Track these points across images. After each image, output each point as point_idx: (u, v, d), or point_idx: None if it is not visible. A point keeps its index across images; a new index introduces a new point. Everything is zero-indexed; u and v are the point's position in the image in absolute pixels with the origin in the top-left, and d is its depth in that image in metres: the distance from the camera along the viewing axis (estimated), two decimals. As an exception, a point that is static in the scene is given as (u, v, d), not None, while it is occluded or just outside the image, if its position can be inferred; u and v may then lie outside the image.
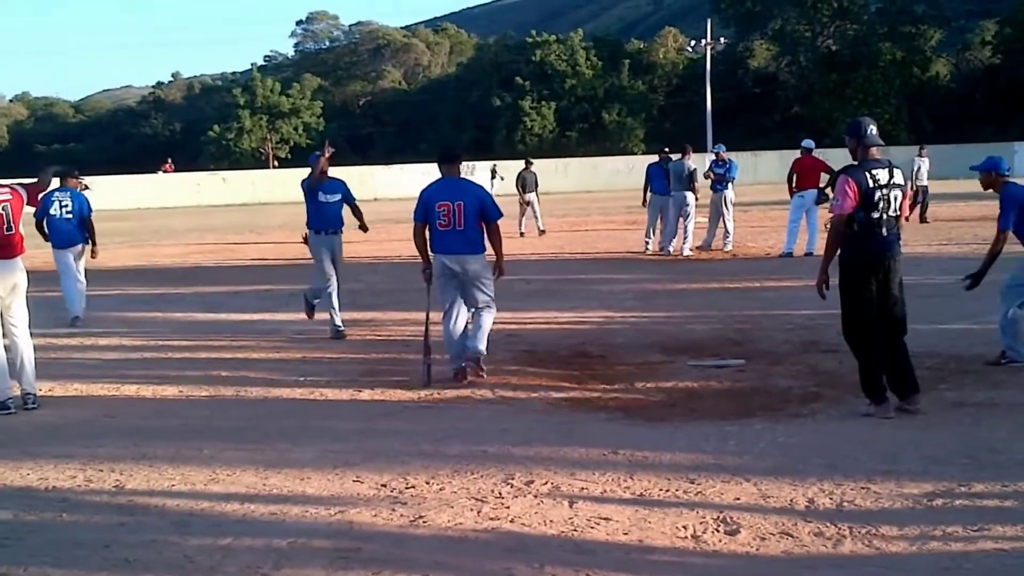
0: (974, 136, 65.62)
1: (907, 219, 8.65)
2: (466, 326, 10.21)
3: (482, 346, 10.04)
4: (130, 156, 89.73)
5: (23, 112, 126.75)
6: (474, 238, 10.03)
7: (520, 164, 33.41)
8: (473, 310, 10.17)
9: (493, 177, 62.84)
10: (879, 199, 8.08)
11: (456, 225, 9.90)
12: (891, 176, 8.17)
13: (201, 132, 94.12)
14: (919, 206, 26.96)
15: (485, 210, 10.06)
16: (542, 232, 27.92)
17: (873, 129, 8.40)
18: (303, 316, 13.61)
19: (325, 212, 13.26)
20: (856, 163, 8.26)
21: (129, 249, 28.36)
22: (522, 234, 27.68)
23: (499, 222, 10.21)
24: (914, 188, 27.11)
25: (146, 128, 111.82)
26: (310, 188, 13.21)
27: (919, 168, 27.89)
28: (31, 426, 8.81)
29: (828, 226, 8.53)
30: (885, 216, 8.13)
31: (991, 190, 10.18)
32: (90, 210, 14.78)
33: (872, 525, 5.74)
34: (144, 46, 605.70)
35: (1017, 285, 9.91)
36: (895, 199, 8.17)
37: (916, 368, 9.82)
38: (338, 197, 13.33)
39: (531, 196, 28.19)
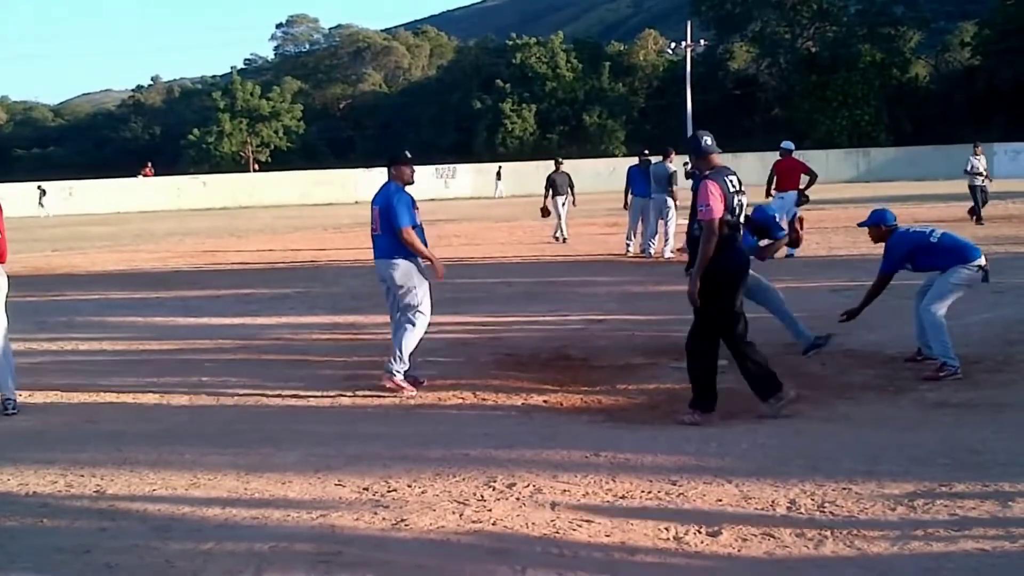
0: (953, 137, 65.92)
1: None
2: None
3: (395, 364, 9.65)
4: (110, 160, 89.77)
5: (1, 116, 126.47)
6: (390, 243, 9.74)
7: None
8: (401, 317, 9.90)
9: (498, 179, 63.37)
10: (736, 204, 8.22)
11: (378, 229, 9.82)
12: (739, 183, 8.35)
13: (181, 136, 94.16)
14: (976, 206, 26.40)
15: (390, 215, 9.67)
16: (563, 240, 26.06)
17: (709, 140, 8.45)
18: (285, 319, 13.57)
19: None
20: (712, 170, 8.33)
21: (109, 253, 28.31)
22: (562, 239, 26.17)
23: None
24: (972, 187, 26.72)
25: (126, 132, 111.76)
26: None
27: (974, 167, 26.75)
28: (11, 431, 8.77)
29: (689, 235, 8.54)
30: (738, 222, 8.33)
31: (882, 243, 10.24)
32: None
33: (854, 526, 5.75)
34: (124, 50, 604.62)
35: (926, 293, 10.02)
36: (743, 205, 8.37)
37: (899, 369, 9.91)
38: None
39: (562, 199, 26.11)
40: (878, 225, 10.28)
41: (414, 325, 9.78)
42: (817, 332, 10.84)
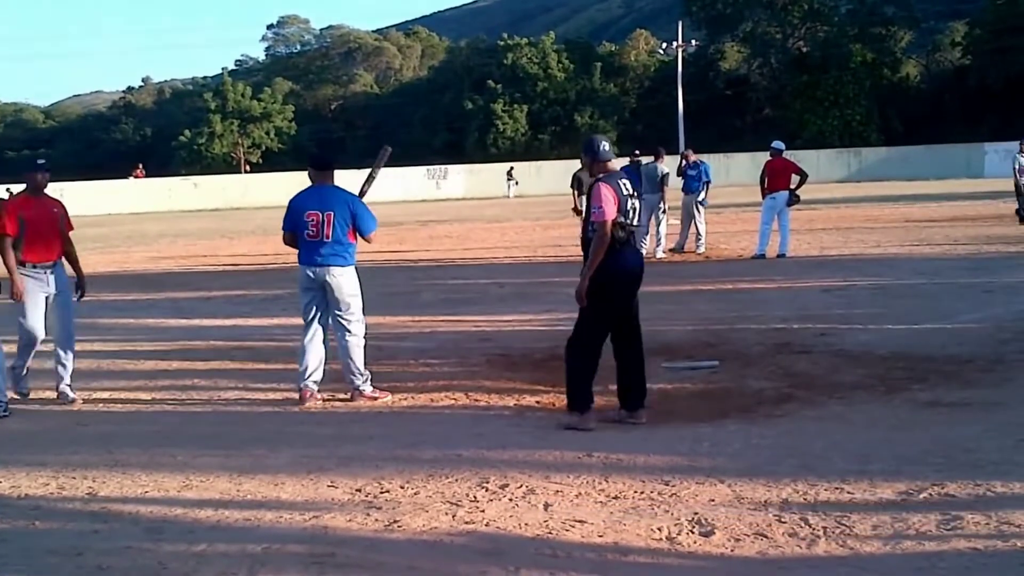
0: (944, 137, 66.15)
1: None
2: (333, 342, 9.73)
3: (359, 379, 9.52)
4: (101, 162, 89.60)
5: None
6: (343, 250, 9.40)
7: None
8: (337, 332, 9.57)
9: (509, 179, 63.32)
10: (630, 208, 8.28)
11: (324, 236, 9.33)
12: (631, 187, 8.42)
13: (172, 137, 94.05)
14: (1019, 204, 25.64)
15: (358, 221, 9.44)
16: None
17: (606, 145, 8.54)
18: (277, 320, 13.54)
19: None
20: (605, 174, 8.39)
21: (100, 255, 28.23)
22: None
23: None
24: (1018, 185, 25.99)
25: (117, 133, 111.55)
26: None
27: (1022, 165, 25.46)
28: (2, 434, 8.76)
29: (584, 237, 8.53)
30: (634, 226, 8.36)
31: None
32: None
33: (846, 525, 5.75)
34: (114, 51, 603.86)
35: None
36: (635, 209, 8.41)
37: (891, 368, 9.91)
38: None
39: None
40: None
41: (356, 334, 9.52)
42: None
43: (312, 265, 9.42)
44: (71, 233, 10.12)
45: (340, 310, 9.48)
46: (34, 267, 9.67)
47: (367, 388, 9.53)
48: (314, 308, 9.56)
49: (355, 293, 9.52)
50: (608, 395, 9.36)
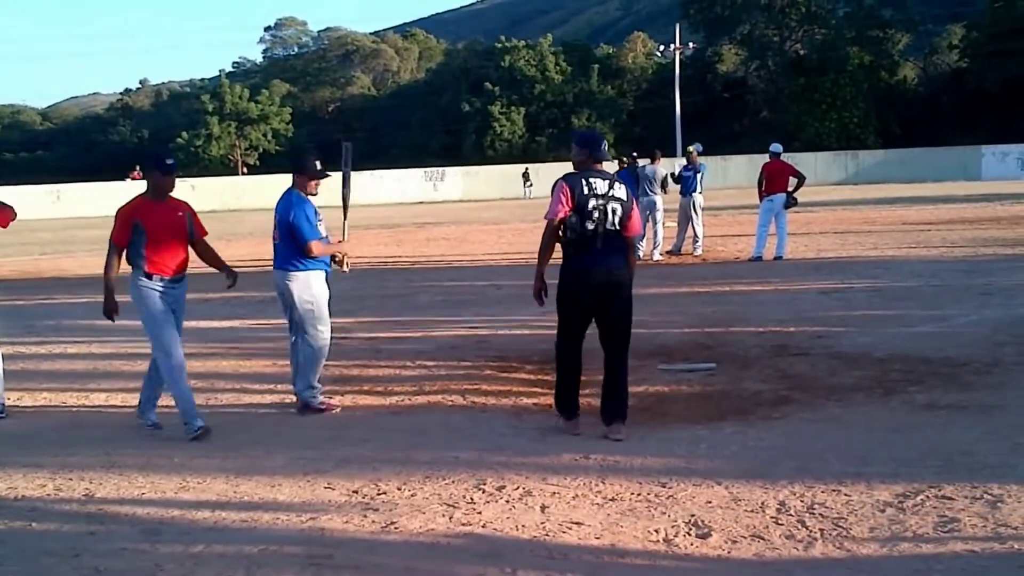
0: (941, 140, 66.28)
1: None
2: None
3: (306, 392, 9.19)
4: (98, 163, 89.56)
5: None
6: (290, 255, 9.13)
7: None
8: (299, 336, 9.33)
9: (526, 181, 63.40)
10: (593, 208, 7.93)
11: (274, 238, 9.30)
12: (610, 188, 8.05)
13: (170, 139, 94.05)
14: None
15: (293, 230, 9.12)
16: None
17: (605, 146, 8.38)
18: (273, 322, 13.51)
19: None
20: (575, 171, 8.18)
21: (98, 257, 28.16)
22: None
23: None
24: None
25: (114, 135, 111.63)
26: None
27: None
28: (-1, 435, 8.75)
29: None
30: (602, 229, 7.97)
31: None
32: None
33: (843, 527, 5.76)
34: (112, 53, 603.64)
35: None
36: (613, 212, 8.01)
37: (888, 370, 9.90)
38: None
39: None
40: None
41: (313, 346, 9.17)
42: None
43: (273, 268, 9.38)
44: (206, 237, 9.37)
45: (297, 316, 9.26)
46: (161, 280, 9.03)
47: (315, 400, 9.20)
48: (288, 311, 9.47)
49: (309, 300, 9.15)
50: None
